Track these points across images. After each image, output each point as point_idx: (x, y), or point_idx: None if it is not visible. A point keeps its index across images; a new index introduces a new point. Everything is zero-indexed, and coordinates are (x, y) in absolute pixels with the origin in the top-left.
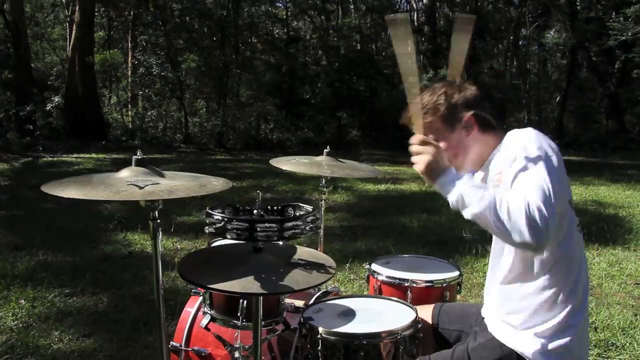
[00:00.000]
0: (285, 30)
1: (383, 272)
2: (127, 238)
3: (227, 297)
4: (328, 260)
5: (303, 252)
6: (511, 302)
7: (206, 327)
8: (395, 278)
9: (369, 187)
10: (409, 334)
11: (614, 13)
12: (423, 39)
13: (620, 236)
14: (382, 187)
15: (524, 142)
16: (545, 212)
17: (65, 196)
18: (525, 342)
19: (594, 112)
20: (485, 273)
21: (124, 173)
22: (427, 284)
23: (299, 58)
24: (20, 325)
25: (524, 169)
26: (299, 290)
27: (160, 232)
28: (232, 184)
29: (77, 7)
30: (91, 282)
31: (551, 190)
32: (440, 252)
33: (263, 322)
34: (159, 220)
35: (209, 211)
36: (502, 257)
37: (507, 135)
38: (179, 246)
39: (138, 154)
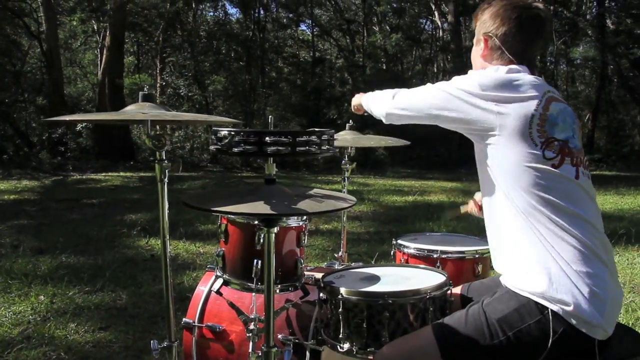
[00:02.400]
0: (311, 53)
1: (410, 245)
2: (150, 243)
3: (241, 258)
4: (346, 196)
5: (321, 191)
6: (501, 245)
7: (218, 292)
8: (423, 249)
9: (396, 198)
10: (439, 294)
11: None
12: (449, 57)
13: None
14: (410, 198)
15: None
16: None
17: (72, 120)
18: (532, 283)
19: (627, 127)
20: None
21: (130, 107)
22: (458, 255)
23: (324, 78)
24: (38, 318)
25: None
26: (313, 213)
27: (167, 176)
28: (240, 121)
29: (108, 32)
30: (111, 281)
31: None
32: None
33: (279, 286)
34: (165, 162)
35: (215, 128)
36: (490, 203)
37: None
38: (201, 250)
39: (145, 89)
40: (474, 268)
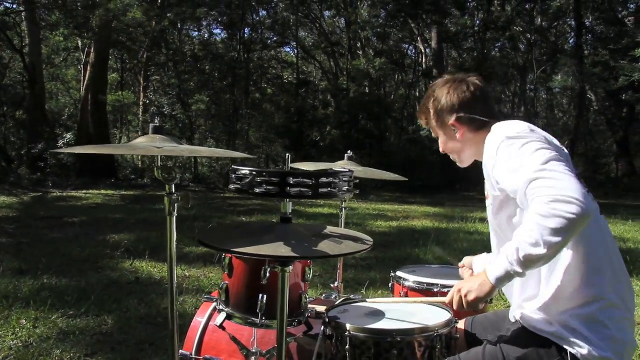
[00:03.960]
0: (295, 75)
1: (410, 278)
2: (134, 266)
3: (246, 292)
4: (362, 235)
5: (335, 230)
6: (529, 287)
7: (221, 326)
8: (423, 283)
9: (381, 224)
10: (446, 332)
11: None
12: (431, 82)
13: None
14: (394, 223)
15: (492, 142)
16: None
17: (81, 152)
18: (552, 324)
19: (604, 156)
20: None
21: (139, 140)
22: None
23: (308, 101)
24: (20, 344)
25: (508, 170)
26: (334, 256)
27: (176, 210)
28: (254, 155)
29: (92, 48)
30: (96, 305)
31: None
32: None
33: None
34: (175, 195)
35: (235, 167)
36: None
37: (490, 132)
38: (187, 273)
39: (156, 121)
40: None
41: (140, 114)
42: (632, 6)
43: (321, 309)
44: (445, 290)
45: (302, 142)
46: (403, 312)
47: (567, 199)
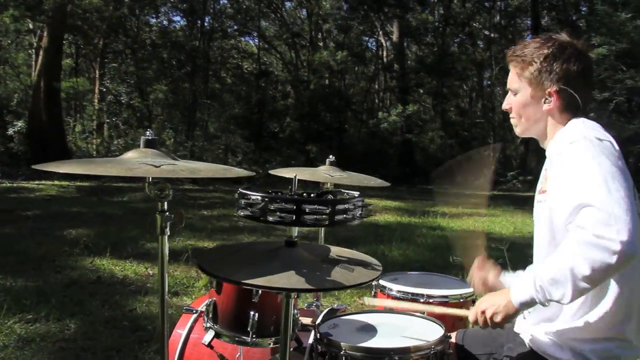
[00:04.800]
0: (255, 66)
1: (393, 287)
2: (95, 263)
3: (236, 309)
4: (369, 258)
5: (338, 251)
6: (549, 310)
7: (209, 345)
8: (407, 293)
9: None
10: (441, 349)
11: None
12: (392, 75)
13: None
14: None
15: (571, 137)
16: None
17: (61, 171)
18: (564, 350)
19: None
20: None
21: (130, 154)
22: (442, 299)
23: (268, 91)
24: None
25: (571, 173)
26: (350, 286)
27: (168, 228)
28: (253, 173)
29: (45, 33)
30: (56, 308)
31: (619, 203)
32: None
33: (273, 339)
34: (167, 213)
35: (244, 191)
36: (549, 252)
37: (567, 124)
38: (150, 271)
39: (148, 133)
40: None
41: (96, 102)
42: (583, 9)
43: (306, 320)
44: (431, 300)
45: (261, 133)
46: (394, 326)
47: (613, 243)
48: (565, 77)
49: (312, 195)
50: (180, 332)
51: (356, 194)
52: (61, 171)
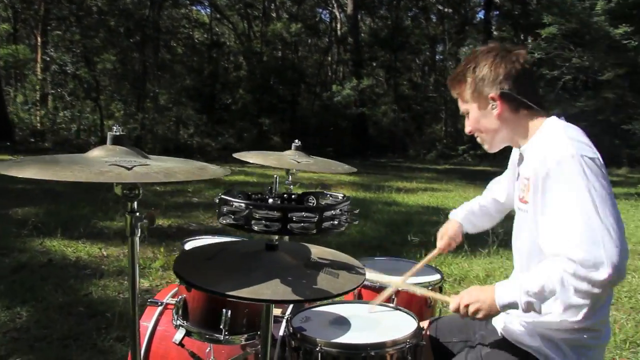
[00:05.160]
0: (207, 36)
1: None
2: (45, 245)
3: (207, 306)
4: (351, 260)
5: (319, 252)
6: None
7: (181, 343)
8: (375, 282)
9: (299, 192)
10: (415, 342)
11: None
12: (346, 48)
13: None
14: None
15: (558, 155)
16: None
17: (24, 176)
18: (535, 339)
19: None
20: None
21: (97, 152)
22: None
23: (220, 63)
24: None
25: (564, 205)
26: (337, 295)
27: (139, 231)
28: (229, 170)
29: None
30: (5, 295)
31: (607, 230)
32: (380, 252)
33: (245, 335)
34: (138, 214)
35: (225, 197)
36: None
37: (545, 126)
38: (104, 252)
39: (114, 129)
40: (427, 300)
41: (39, 71)
42: None
43: (276, 311)
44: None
45: (213, 105)
46: (366, 319)
47: (599, 283)
48: (498, 78)
49: (292, 196)
50: (146, 324)
51: (340, 195)
52: (23, 176)
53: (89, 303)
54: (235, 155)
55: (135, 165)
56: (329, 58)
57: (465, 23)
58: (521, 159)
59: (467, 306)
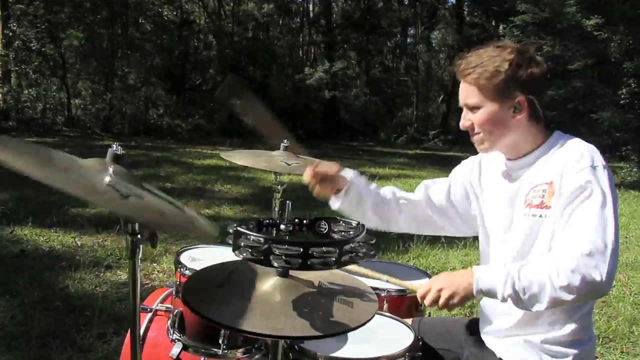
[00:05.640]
0: (177, 14)
1: None
2: (16, 234)
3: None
4: (360, 284)
5: (327, 275)
6: (522, 318)
7: (178, 358)
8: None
9: (273, 179)
10: (412, 355)
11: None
12: (319, 30)
13: None
14: (284, 177)
15: (594, 175)
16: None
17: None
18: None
19: None
20: None
21: (93, 164)
22: (400, 293)
23: (190, 42)
24: None
25: (588, 211)
26: (355, 328)
27: (140, 253)
28: (217, 228)
29: None
30: None
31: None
32: None
33: (242, 349)
34: (139, 235)
35: (241, 229)
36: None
37: (556, 138)
38: (78, 242)
39: (115, 147)
40: (417, 304)
41: (0, 47)
42: None
43: None
44: (387, 294)
45: (183, 85)
46: (362, 330)
47: (596, 286)
48: (530, 83)
49: (304, 221)
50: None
51: (354, 222)
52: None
53: (66, 297)
54: (223, 155)
55: (130, 195)
56: (300, 39)
57: (437, 7)
58: (516, 167)
59: (440, 290)
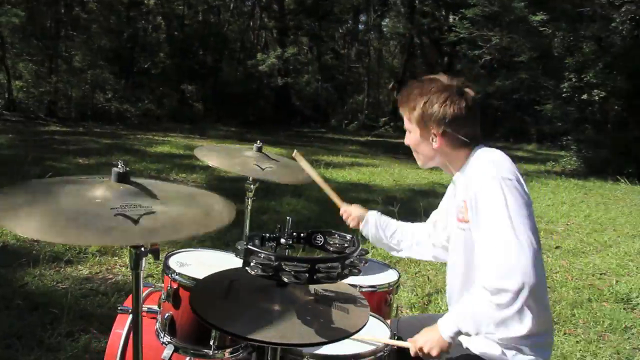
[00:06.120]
0: None
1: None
2: None
3: (196, 323)
4: (350, 289)
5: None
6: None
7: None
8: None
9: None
10: (390, 349)
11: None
12: (271, 15)
13: None
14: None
15: (482, 177)
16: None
17: (25, 234)
18: (502, 350)
19: None
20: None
21: (100, 192)
22: (371, 289)
23: (139, 24)
24: None
25: (487, 222)
26: (354, 333)
27: (143, 265)
28: (234, 209)
29: None
30: None
31: (518, 240)
32: None
33: (230, 349)
34: (143, 249)
35: (252, 248)
36: (475, 272)
37: (474, 155)
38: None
39: (119, 166)
40: (386, 299)
41: None
42: None
43: None
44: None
45: (132, 69)
46: None
47: (517, 287)
48: (444, 119)
49: (301, 234)
50: (119, 332)
51: (348, 236)
52: (23, 233)
53: (26, 295)
54: (197, 153)
55: (141, 215)
56: (251, 23)
57: None
58: (455, 185)
59: (421, 349)
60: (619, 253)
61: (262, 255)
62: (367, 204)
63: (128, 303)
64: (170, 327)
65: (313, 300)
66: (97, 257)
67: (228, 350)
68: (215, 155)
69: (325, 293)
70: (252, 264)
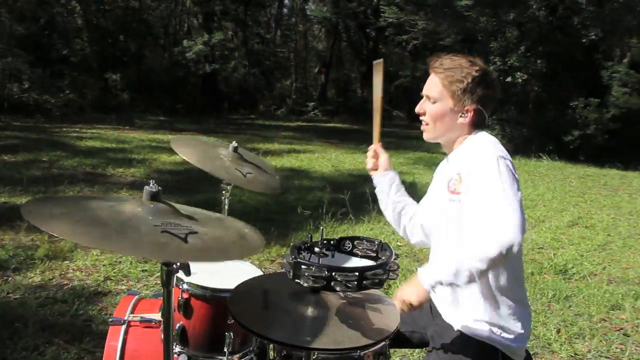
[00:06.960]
0: None
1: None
2: None
3: (210, 332)
4: (375, 291)
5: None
6: (471, 295)
7: None
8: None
9: (165, 159)
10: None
11: None
12: (195, 1)
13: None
14: (177, 157)
15: (483, 154)
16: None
17: (75, 240)
18: (489, 329)
19: (352, 82)
20: None
21: (135, 208)
22: None
23: (55, 9)
24: None
25: (482, 190)
26: (393, 332)
27: (174, 282)
28: (263, 242)
29: None
30: None
31: (510, 205)
32: (275, 227)
33: (239, 354)
34: (175, 266)
35: (301, 261)
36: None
37: (474, 137)
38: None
39: (152, 185)
40: None
41: None
42: None
43: None
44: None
45: (50, 58)
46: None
47: (508, 242)
48: (483, 99)
49: (331, 242)
50: (114, 344)
51: (376, 241)
52: (73, 239)
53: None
54: (176, 149)
55: (187, 234)
56: (174, 8)
57: None
58: (448, 162)
59: (404, 300)
60: (552, 227)
61: (314, 268)
62: (313, 191)
63: (118, 314)
64: (182, 337)
65: (347, 304)
66: (47, 263)
67: (238, 355)
68: (192, 154)
69: (354, 295)
70: (302, 276)
